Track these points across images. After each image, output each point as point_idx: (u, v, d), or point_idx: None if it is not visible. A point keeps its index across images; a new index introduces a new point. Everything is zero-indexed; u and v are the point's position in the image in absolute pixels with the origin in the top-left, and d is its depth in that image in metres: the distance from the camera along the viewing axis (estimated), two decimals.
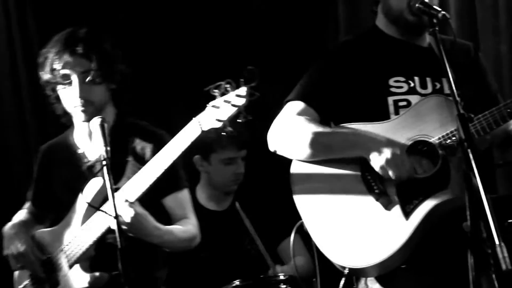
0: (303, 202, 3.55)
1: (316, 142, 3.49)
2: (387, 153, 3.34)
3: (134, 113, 4.05)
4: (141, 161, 3.82)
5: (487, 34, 5.31)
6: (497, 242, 2.76)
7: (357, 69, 3.56)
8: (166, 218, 3.94)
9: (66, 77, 3.87)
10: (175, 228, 3.92)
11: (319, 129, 3.50)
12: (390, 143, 3.38)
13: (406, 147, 3.40)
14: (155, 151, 3.68)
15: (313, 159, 3.54)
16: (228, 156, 5.14)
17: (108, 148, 3.42)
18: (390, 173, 3.35)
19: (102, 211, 3.55)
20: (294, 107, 3.59)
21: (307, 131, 3.50)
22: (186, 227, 3.96)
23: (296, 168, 3.59)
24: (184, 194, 4.02)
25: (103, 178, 3.38)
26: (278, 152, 3.60)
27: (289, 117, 3.57)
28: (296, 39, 5.78)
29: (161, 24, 5.85)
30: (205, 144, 5.10)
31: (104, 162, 3.38)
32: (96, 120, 3.52)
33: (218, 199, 5.24)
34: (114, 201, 3.29)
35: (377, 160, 3.36)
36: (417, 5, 3.42)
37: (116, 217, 3.28)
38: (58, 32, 4.00)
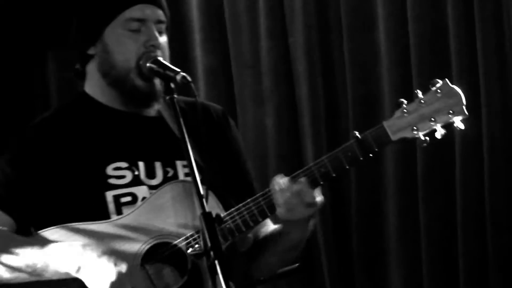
0: None
1: (8, 263, 3.02)
2: (108, 275, 2.88)
3: None
4: None
5: (247, 104, 4.99)
6: None
7: (61, 156, 3.11)
8: None
9: None
10: None
11: (12, 245, 3.03)
12: (112, 257, 2.91)
13: (139, 260, 2.95)
14: None
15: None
16: None
17: None
18: None
19: None
20: None
21: None
22: None
23: None
24: None
25: None
26: None
27: None
28: None
29: None
30: None
31: None
32: None
33: None
34: None
35: (95, 285, 2.90)
36: (148, 64, 2.98)
37: None
38: None
